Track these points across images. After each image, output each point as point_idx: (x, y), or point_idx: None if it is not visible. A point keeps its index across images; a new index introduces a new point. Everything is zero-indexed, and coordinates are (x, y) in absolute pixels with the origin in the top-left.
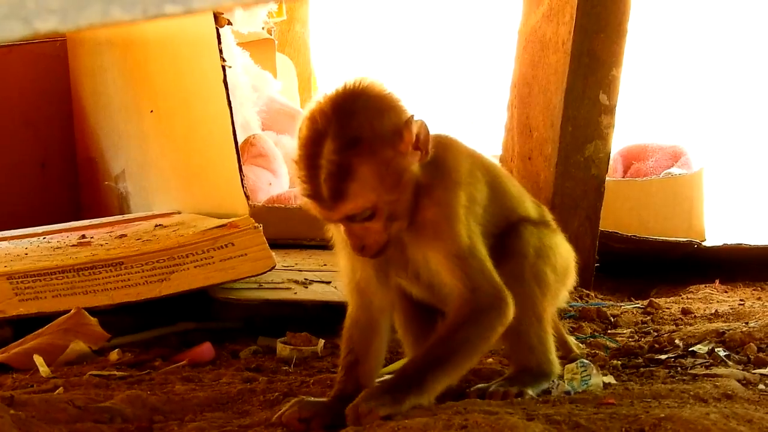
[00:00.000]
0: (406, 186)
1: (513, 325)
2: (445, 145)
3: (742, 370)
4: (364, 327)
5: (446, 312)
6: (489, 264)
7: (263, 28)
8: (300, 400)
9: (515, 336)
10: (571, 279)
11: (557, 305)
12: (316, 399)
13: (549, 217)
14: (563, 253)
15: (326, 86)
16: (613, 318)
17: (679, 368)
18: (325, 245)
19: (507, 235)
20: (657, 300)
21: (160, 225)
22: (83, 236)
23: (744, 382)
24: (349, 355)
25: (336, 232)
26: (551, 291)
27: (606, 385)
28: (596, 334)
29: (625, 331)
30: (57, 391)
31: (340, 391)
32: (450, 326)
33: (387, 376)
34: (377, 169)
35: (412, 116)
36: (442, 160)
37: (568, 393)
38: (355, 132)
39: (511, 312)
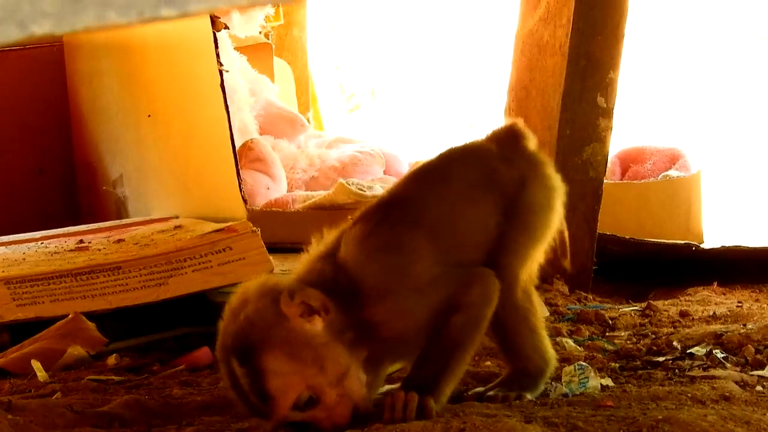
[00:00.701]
0: (326, 348)
1: (505, 335)
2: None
3: (740, 372)
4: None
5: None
6: (447, 274)
7: (260, 33)
8: None
9: (507, 338)
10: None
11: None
12: None
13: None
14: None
15: (324, 91)
16: (611, 320)
17: (677, 370)
18: None
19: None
20: (655, 302)
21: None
22: (81, 241)
23: (742, 383)
24: None
25: None
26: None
27: (604, 388)
28: (594, 336)
29: (623, 334)
30: (55, 395)
31: None
32: (446, 327)
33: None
34: (284, 356)
35: (289, 290)
36: (360, 280)
37: (565, 395)
38: (246, 339)
39: (493, 283)
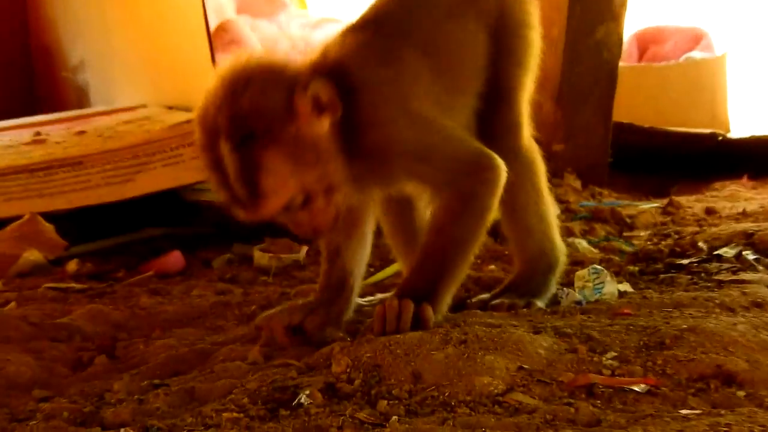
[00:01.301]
0: (328, 153)
1: (511, 206)
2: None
3: None
4: (344, 219)
5: (433, 204)
6: (458, 133)
7: None
8: (283, 308)
9: (514, 217)
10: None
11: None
12: (301, 301)
13: None
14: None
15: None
16: (629, 219)
17: (702, 274)
18: None
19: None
20: (678, 198)
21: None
22: (38, 133)
23: None
24: (329, 245)
25: None
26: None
27: (621, 294)
28: (610, 236)
29: (642, 234)
30: (9, 306)
31: (326, 282)
32: (440, 223)
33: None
34: (286, 153)
35: (303, 81)
36: (359, 87)
37: (579, 303)
38: (246, 125)
39: (503, 173)
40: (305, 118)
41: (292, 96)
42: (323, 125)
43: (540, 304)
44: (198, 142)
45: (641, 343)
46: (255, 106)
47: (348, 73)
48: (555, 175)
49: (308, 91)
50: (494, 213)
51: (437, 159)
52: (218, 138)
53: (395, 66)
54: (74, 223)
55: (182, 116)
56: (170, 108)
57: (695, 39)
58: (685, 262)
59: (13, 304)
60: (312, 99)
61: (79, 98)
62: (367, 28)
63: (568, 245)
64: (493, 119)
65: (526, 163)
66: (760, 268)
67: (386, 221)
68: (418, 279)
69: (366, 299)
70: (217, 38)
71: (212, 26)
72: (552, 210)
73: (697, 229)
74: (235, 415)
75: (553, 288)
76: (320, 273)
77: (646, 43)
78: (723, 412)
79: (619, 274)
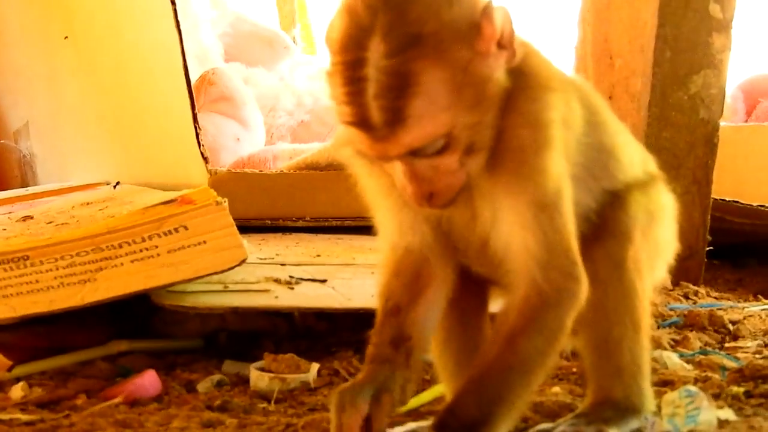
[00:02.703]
0: (491, 101)
1: (600, 333)
2: (523, 45)
3: None
4: (411, 274)
5: (505, 300)
6: (571, 225)
7: None
8: (342, 391)
9: (601, 347)
10: (673, 249)
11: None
12: (354, 382)
13: (652, 165)
14: (671, 220)
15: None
16: (733, 325)
17: None
18: (317, 227)
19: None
20: None
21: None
22: None
23: None
24: (388, 302)
25: (378, 178)
26: (651, 284)
27: (722, 423)
28: (708, 348)
29: (749, 345)
30: None
31: (378, 348)
32: (511, 332)
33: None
34: (450, 78)
35: (491, 6)
36: (524, 64)
37: None
38: (414, 25)
39: (583, 294)
40: (486, 45)
41: (477, 14)
42: (498, 64)
43: None
44: (335, 44)
45: None
46: (431, 5)
47: (526, 64)
48: None
49: (496, 16)
50: (567, 334)
51: (551, 227)
52: (369, 35)
53: (568, 95)
54: (19, 336)
55: (156, 196)
56: (140, 186)
57: None
58: None
59: None
60: (499, 29)
61: (23, 173)
62: None
63: (654, 359)
64: (602, 219)
65: (627, 282)
66: None
67: (440, 327)
68: (468, 404)
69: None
70: (200, 93)
71: (194, 78)
72: (648, 349)
73: None
74: None
75: (632, 424)
76: (372, 339)
77: (756, 96)
78: None
79: (719, 398)
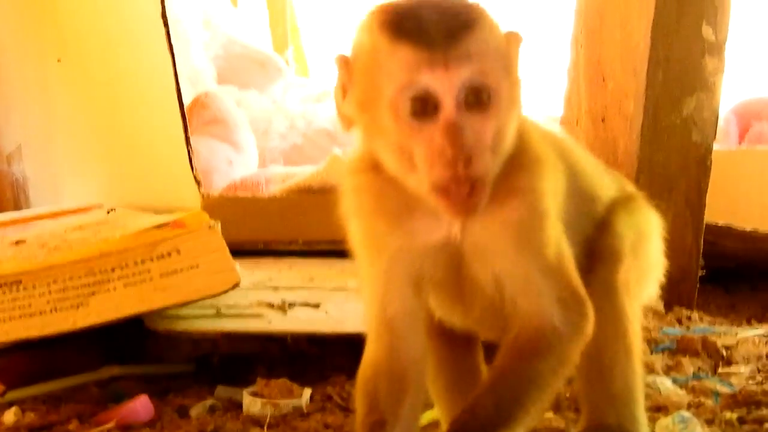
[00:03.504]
0: (514, 108)
1: (593, 359)
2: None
3: None
4: (394, 378)
5: (506, 336)
6: (574, 270)
7: None
8: None
9: (593, 373)
10: (663, 265)
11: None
12: None
13: (630, 187)
14: (658, 236)
15: (309, 19)
16: (727, 350)
17: None
18: (310, 251)
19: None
20: None
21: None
22: None
23: None
24: (372, 414)
25: (373, 237)
26: (641, 305)
27: None
28: (702, 373)
29: (743, 370)
30: None
31: None
32: (515, 359)
33: None
34: (498, 45)
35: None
36: (521, 138)
37: None
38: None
39: (590, 328)
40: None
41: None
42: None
43: None
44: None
45: None
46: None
47: (522, 139)
48: None
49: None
50: (573, 368)
51: (556, 284)
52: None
53: (554, 163)
54: (11, 361)
55: (148, 220)
56: (133, 209)
57: None
58: None
59: None
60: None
61: (15, 196)
62: None
63: (648, 385)
64: (593, 245)
65: (618, 308)
66: None
67: (434, 354)
68: (486, 405)
69: None
70: (193, 116)
71: (187, 100)
72: (640, 374)
73: None
74: None
75: None
76: None
77: (748, 119)
78: None
79: (712, 423)
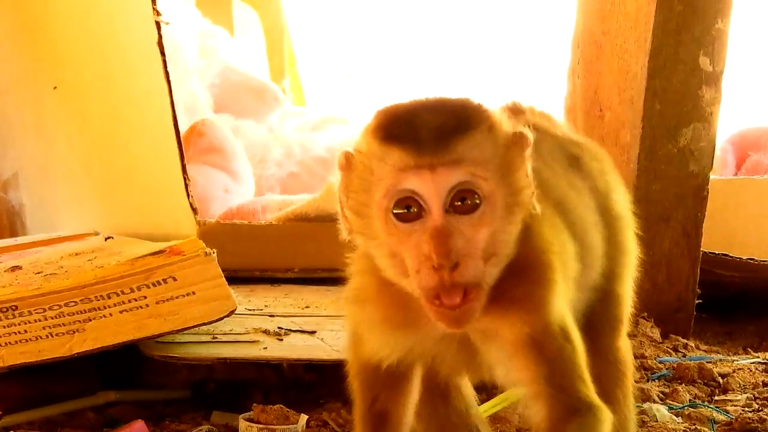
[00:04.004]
0: (517, 214)
1: None
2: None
3: None
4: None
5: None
6: (581, 351)
7: None
8: None
9: None
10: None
11: None
12: None
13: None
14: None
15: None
16: (723, 378)
17: None
18: (306, 278)
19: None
20: None
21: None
22: None
23: None
24: None
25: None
26: None
27: None
28: (698, 401)
29: (739, 398)
30: None
31: None
32: None
33: None
34: (493, 141)
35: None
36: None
37: None
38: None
39: (608, 418)
40: (521, 150)
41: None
42: (521, 155)
43: None
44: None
45: None
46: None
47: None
48: None
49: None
50: None
51: (562, 369)
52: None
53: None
54: (8, 386)
55: (145, 247)
56: (129, 236)
57: None
58: None
59: None
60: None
61: (12, 223)
62: None
63: (643, 412)
64: (597, 313)
65: (619, 366)
66: None
67: (419, 417)
68: None
69: None
70: (189, 144)
71: (183, 128)
72: (634, 423)
73: None
74: None
75: None
76: None
77: (746, 149)
78: None
79: None
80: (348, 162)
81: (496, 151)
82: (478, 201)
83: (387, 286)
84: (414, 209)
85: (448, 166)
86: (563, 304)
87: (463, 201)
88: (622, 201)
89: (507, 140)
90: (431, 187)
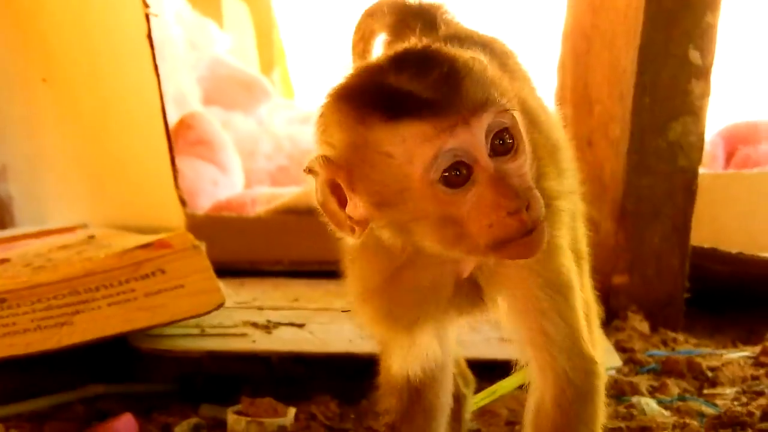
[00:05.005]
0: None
1: None
2: None
3: None
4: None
5: (535, 391)
6: (581, 309)
7: None
8: None
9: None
10: None
11: None
12: None
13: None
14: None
15: (295, 42)
16: (712, 372)
17: None
18: (295, 271)
19: None
20: None
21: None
22: None
23: None
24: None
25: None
26: None
27: None
28: (687, 395)
29: (728, 391)
30: None
31: None
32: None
33: None
34: (488, 72)
35: None
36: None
37: None
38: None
39: (604, 372)
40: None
41: None
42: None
43: None
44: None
45: None
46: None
47: None
48: (616, 315)
49: None
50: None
51: (565, 317)
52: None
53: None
54: None
55: (134, 240)
56: (118, 229)
57: None
58: None
59: None
60: None
61: (0, 215)
62: None
63: (632, 406)
64: None
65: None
66: None
67: None
68: None
69: None
70: (178, 137)
71: (172, 121)
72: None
73: None
74: None
75: None
76: None
77: (735, 143)
78: None
79: None
80: (330, 165)
81: (495, 81)
82: (511, 139)
83: (384, 261)
84: (463, 170)
85: (476, 112)
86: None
87: (502, 142)
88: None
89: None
90: (473, 141)
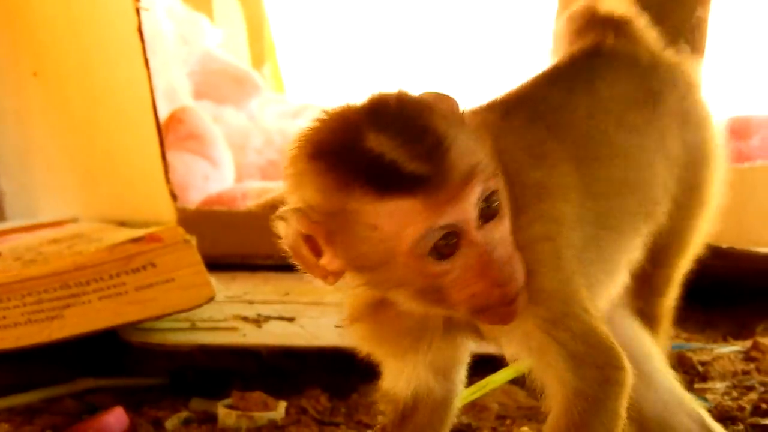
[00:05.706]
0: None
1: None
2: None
3: None
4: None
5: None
6: (594, 312)
7: None
8: None
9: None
10: None
11: None
12: None
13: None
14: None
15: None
16: (702, 366)
17: None
18: (286, 265)
19: None
20: (765, 340)
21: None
22: None
23: None
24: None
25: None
26: None
27: None
28: None
29: (718, 386)
30: None
31: None
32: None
33: None
34: (468, 131)
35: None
36: (510, 160)
37: None
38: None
39: (629, 375)
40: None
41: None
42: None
43: None
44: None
45: None
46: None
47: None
48: None
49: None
50: (623, 421)
51: (572, 337)
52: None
53: (547, 170)
54: None
55: (125, 234)
56: (109, 223)
57: None
58: None
59: None
60: None
61: None
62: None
63: None
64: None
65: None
66: None
67: None
68: None
69: None
70: (169, 131)
71: (163, 116)
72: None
73: None
74: None
75: None
76: None
77: (728, 137)
78: None
79: None
80: (305, 218)
81: (473, 139)
82: (497, 201)
83: (386, 315)
84: (453, 239)
85: (467, 184)
86: (567, 285)
87: (489, 207)
88: (713, 148)
89: (462, 119)
90: (464, 216)
